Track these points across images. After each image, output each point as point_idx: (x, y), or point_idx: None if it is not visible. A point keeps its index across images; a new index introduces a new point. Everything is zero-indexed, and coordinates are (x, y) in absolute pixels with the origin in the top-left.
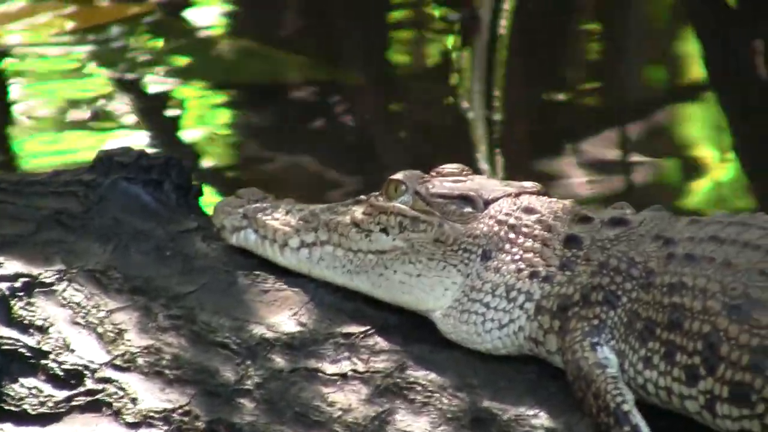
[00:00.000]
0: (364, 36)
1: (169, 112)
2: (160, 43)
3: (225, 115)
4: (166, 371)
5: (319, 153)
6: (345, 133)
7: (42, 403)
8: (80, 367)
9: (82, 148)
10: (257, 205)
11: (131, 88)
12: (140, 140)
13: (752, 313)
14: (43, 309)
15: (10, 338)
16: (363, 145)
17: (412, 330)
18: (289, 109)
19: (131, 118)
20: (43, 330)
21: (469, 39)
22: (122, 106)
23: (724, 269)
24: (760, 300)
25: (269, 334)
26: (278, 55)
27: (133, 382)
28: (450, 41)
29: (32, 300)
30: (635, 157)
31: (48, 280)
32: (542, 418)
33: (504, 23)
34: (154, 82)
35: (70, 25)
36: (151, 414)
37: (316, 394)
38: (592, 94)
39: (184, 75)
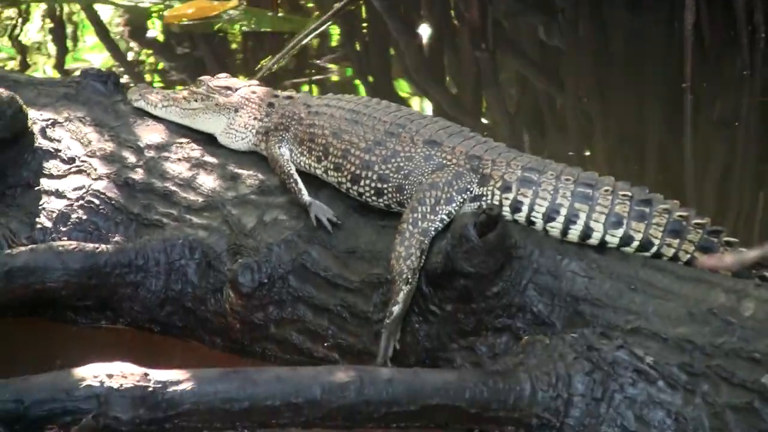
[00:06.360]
0: None
1: None
2: None
3: None
4: (108, 158)
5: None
6: None
7: (58, 171)
8: (74, 156)
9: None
10: (146, 90)
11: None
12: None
13: (342, 135)
14: (59, 132)
15: (46, 145)
16: None
17: (209, 141)
18: None
19: None
20: (59, 141)
21: None
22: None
23: (330, 118)
24: (345, 130)
25: (149, 142)
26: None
27: (94, 161)
28: None
29: (55, 128)
30: None
31: (60, 120)
32: (259, 174)
33: None
34: None
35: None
36: (101, 175)
37: (168, 167)
38: None
39: None
